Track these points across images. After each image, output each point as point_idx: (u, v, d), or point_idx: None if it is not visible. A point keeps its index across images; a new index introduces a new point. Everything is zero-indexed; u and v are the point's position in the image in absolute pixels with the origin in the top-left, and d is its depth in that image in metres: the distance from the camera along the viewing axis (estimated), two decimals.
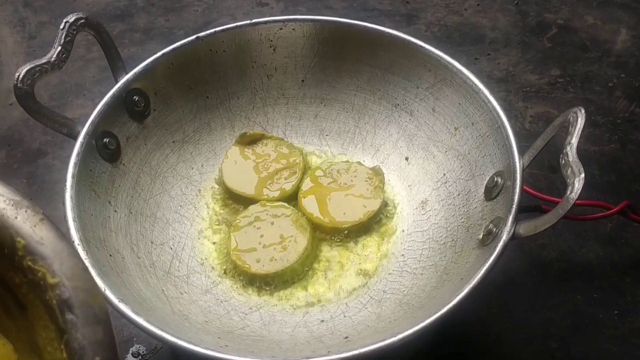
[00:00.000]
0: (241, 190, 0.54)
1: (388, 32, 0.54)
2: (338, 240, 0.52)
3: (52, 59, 0.49)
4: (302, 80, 0.58)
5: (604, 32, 0.75)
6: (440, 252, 0.49)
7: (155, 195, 0.53)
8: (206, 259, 0.52)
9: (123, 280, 0.45)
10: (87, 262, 0.42)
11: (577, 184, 0.40)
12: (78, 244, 0.43)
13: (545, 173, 0.62)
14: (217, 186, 0.56)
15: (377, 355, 0.39)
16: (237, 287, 0.50)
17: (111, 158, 0.51)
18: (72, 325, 0.30)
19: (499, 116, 0.48)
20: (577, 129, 0.42)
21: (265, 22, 0.56)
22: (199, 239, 0.53)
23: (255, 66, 0.57)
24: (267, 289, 0.50)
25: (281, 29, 0.56)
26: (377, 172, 0.54)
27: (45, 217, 0.33)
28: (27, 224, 0.32)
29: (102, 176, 0.50)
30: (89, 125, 0.49)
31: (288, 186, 0.54)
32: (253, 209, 0.53)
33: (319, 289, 0.50)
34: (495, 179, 0.48)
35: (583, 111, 0.43)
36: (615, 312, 0.53)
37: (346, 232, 0.52)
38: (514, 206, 0.44)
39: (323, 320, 0.48)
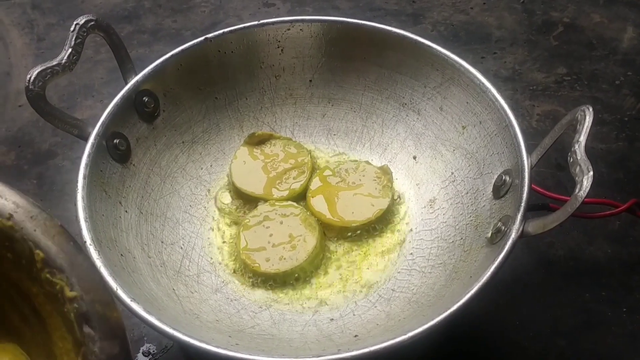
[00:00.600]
0: (250, 190, 0.54)
1: (395, 32, 0.55)
2: (347, 239, 0.53)
3: (63, 61, 0.49)
4: (310, 80, 0.58)
5: (610, 30, 0.75)
6: (449, 250, 0.49)
7: (165, 196, 0.54)
8: (216, 258, 0.52)
9: (134, 280, 0.45)
10: (98, 262, 0.42)
11: (586, 182, 0.40)
12: (90, 244, 0.43)
13: (553, 171, 0.62)
14: (226, 186, 0.56)
15: (387, 353, 0.39)
16: (246, 286, 0.51)
17: (121, 159, 0.51)
18: (89, 338, 0.31)
19: (506, 114, 0.49)
20: (585, 127, 0.42)
21: (273, 23, 0.56)
22: (208, 238, 0.53)
23: (264, 67, 0.58)
24: (277, 287, 0.50)
25: (289, 29, 0.57)
26: (385, 171, 0.55)
27: (63, 229, 0.33)
28: (45, 236, 0.33)
29: (113, 177, 0.50)
30: (100, 127, 0.49)
31: (297, 186, 0.55)
32: (262, 208, 0.53)
33: (328, 288, 0.50)
34: (504, 177, 0.48)
35: (591, 109, 0.43)
36: (624, 309, 0.53)
37: (355, 231, 0.52)
38: (523, 204, 0.44)
39: (333, 319, 0.48)
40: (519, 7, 0.78)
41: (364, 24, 0.56)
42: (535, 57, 0.73)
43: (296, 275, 0.50)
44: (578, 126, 0.43)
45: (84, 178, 0.47)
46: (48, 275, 0.32)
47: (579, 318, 0.53)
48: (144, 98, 0.53)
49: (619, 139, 0.64)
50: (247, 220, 0.53)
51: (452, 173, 0.53)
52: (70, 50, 0.49)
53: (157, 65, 0.53)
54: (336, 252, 0.52)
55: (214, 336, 0.44)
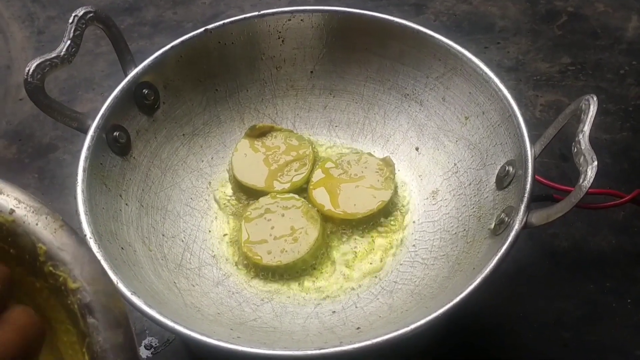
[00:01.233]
0: (252, 183, 0.54)
1: (397, 22, 0.54)
2: (348, 231, 0.52)
3: (62, 53, 0.49)
4: (311, 72, 0.58)
5: (614, 19, 0.74)
6: (452, 242, 0.49)
7: (166, 188, 0.53)
8: (217, 251, 0.52)
9: (135, 273, 0.45)
10: (99, 256, 0.42)
11: (590, 172, 0.40)
12: (90, 238, 0.43)
13: (557, 162, 0.61)
14: (227, 179, 0.56)
15: (390, 345, 0.39)
16: (248, 279, 0.50)
17: (122, 151, 0.51)
18: (93, 328, 0.31)
19: (509, 105, 0.48)
20: (589, 116, 0.42)
21: (274, 14, 0.56)
22: (209, 231, 0.53)
23: (264, 58, 0.57)
24: (279, 280, 0.50)
25: (289, 20, 0.56)
26: (387, 163, 0.54)
27: (64, 223, 0.34)
28: (47, 230, 0.33)
29: (113, 170, 0.50)
30: (99, 119, 0.49)
31: (298, 178, 0.54)
32: (263, 201, 0.53)
33: (330, 280, 0.50)
34: (507, 168, 0.47)
35: (595, 99, 0.43)
36: (629, 300, 0.53)
37: (357, 223, 0.52)
38: (526, 195, 0.43)
39: (335, 311, 0.48)
40: None
41: (365, 14, 0.55)
42: (539, 46, 0.72)
43: (298, 267, 0.50)
44: (582, 116, 0.43)
45: (84, 171, 0.47)
46: (51, 268, 0.33)
47: (583, 309, 0.53)
48: (144, 90, 0.53)
49: (623, 128, 0.64)
50: (249, 213, 0.52)
51: (455, 164, 0.52)
52: (69, 42, 0.49)
53: (156, 57, 0.53)
54: (338, 244, 0.52)
55: (216, 329, 0.44)
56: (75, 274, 0.32)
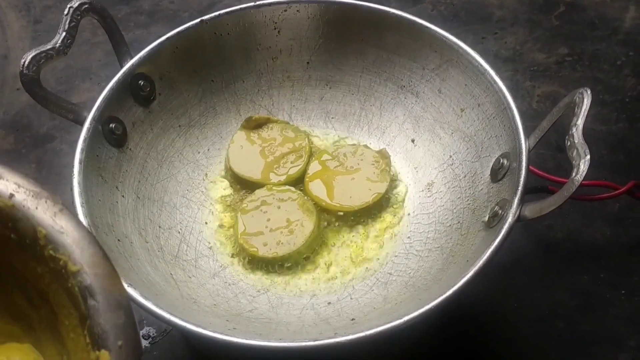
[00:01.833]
0: (248, 175, 0.54)
1: (393, 13, 0.54)
2: (344, 223, 0.52)
3: (57, 45, 0.49)
4: (307, 63, 0.58)
5: (612, 9, 0.74)
6: (446, 234, 0.49)
7: (163, 180, 0.54)
8: (214, 242, 0.52)
9: (132, 265, 0.45)
10: None
11: (583, 166, 0.40)
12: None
13: (553, 153, 0.61)
14: (223, 170, 0.56)
15: (384, 336, 0.39)
16: (244, 271, 0.51)
17: (118, 143, 0.51)
18: (94, 310, 0.31)
19: (505, 97, 0.48)
20: (582, 110, 0.42)
21: (270, 4, 0.56)
22: (206, 222, 0.53)
23: (260, 49, 0.57)
24: (275, 272, 0.50)
25: (285, 10, 0.56)
26: (383, 155, 0.54)
27: (64, 207, 0.34)
28: (47, 214, 0.33)
29: (109, 161, 0.50)
30: (95, 111, 0.49)
31: (294, 170, 0.54)
32: (259, 193, 0.53)
33: (325, 272, 0.50)
34: (501, 160, 0.47)
35: (589, 92, 0.43)
36: (622, 292, 0.53)
37: (352, 215, 0.52)
38: (520, 188, 0.44)
39: (330, 303, 0.48)
40: None
41: (361, 5, 0.55)
42: (537, 37, 0.72)
43: (294, 259, 0.50)
44: (576, 109, 0.43)
45: (80, 163, 0.47)
46: (51, 252, 0.33)
47: (577, 300, 0.53)
48: (140, 82, 0.53)
49: (619, 120, 0.64)
50: (245, 205, 0.53)
51: (451, 156, 0.53)
52: (64, 34, 0.49)
53: (152, 49, 0.53)
54: (334, 236, 0.52)
55: (212, 320, 0.44)
56: (76, 257, 0.32)
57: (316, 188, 0.53)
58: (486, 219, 0.46)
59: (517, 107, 0.48)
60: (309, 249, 0.51)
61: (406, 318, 0.40)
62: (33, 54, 0.47)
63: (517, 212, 0.43)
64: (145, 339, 0.53)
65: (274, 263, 0.50)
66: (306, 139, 0.56)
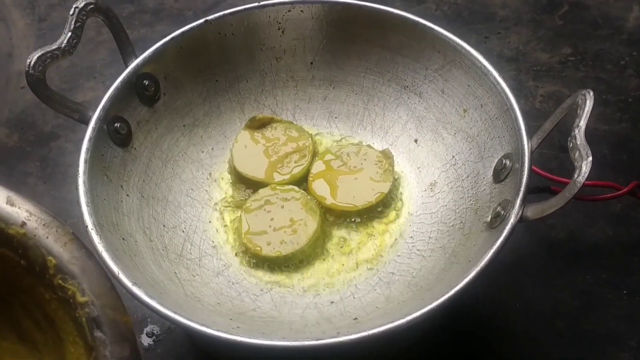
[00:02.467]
0: (252, 174, 0.55)
1: (397, 13, 0.54)
2: (347, 223, 0.53)
3: (63, 45, 0.49)
4: (311, 63, 0.58)
5: (615, 9, 0.74)
6: (449, 234, 0.50)
7: (167, 179, 0.54)
8: (217, 241, 0.53)
9: (136, 264, 0.46)
10: (100, 247, 0.42)
11: (585, 167, 0.40)
12: (91, 229, 0.44)
13: (556, 153, 0.62)
14: (227, 169, 0.56)
15: (386, 336, 0.40)
16: (248, 270, 0.51)
17: (123, 143, 0.51)
18: (100, 342, 0.31)
19: (508, 98, 0.48)
20: (585, 111, 0.42)
21: (274, 5, 0.56)
22: (210, 222, 0.54)
23: (264, 49, 0.57)
24: (278, 271, 0.51)
25: (289, 11, 0.56)
26: (386, 155, 0.55)
27: (74, 236, 0.34)
28: (57, 243, 0.34)
29: (114, 161, 0.50)
30: (100, 111, 0.49)
31: (298, 170, 0.55)
32: (263, 192, 0.53)
33: (328, 271, 0.51)
34: (504, 161, 0.48)
35: (592, 94, 0.43)
36: (624, 292, 0.54)
37: (356, 215, 0.53)
38: (522, 189, 0.44)
39: (333, 302, 0.49)
40: None
41: (365, 5, 0.55)
42: (540, 36, 0.72)
43: (297, 258, 0.51)
44: (578, 110, 0.43)
45: (85, 162, 0.47)
46: (60, 281, 0.33)
47: (579, 300, 0.54)
48: (145, 81, 0.53)
49: (622, 120, 0.64)
50: (249, 204, 0.53)
51: (453, 156, 0.53)
52: (70, 34, 0.49)
53: (157, 48, 0.53)
54: (337, 235, 0.52)
55: (215, 319, 0.45)
56: (84, 288, 0.32)
57: (319, 187, 0.53)
58: (488, 219, 0.46)
59: (520, 107, 0.48)
60: (312, 249, 0.51)
61: (409, 318, 0.40)
62: (39, 54, 0.48)
63: (519, 213, 0.43)
64: (149, 337, 0.53)
65: (277, 262, 0.51)
66: (310, 138, 0.56)
